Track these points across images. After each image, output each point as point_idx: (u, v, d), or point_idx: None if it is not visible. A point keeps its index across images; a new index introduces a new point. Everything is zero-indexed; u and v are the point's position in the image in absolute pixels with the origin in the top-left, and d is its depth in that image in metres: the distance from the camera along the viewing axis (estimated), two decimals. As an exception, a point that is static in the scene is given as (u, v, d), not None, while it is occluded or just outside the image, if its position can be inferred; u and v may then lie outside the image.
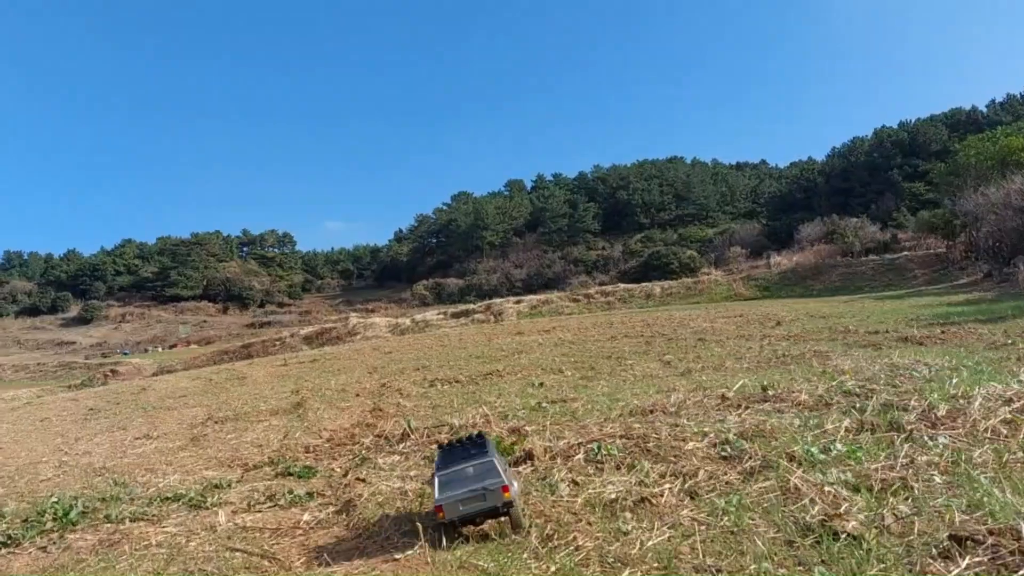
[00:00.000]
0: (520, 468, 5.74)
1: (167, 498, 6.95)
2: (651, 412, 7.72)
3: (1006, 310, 20.60)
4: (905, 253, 64.65)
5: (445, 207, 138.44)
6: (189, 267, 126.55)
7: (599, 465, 5.65)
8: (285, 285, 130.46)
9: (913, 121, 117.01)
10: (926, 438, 5.24)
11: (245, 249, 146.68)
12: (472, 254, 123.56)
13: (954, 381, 7.20)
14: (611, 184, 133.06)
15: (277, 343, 52.09)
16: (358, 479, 6.16)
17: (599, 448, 5.89)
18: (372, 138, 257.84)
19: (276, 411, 13.18)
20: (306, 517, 5.71)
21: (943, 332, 14.96)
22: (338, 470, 7.05)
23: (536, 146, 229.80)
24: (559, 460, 5.89)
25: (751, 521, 4.45)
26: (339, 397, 14.62)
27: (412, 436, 7.76)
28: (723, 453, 5.50)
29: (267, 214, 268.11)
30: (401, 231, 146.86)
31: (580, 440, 6.31)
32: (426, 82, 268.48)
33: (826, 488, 4.44)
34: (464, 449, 5.22)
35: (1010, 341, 12.37)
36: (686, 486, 4.92)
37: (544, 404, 9.56)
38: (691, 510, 4.68)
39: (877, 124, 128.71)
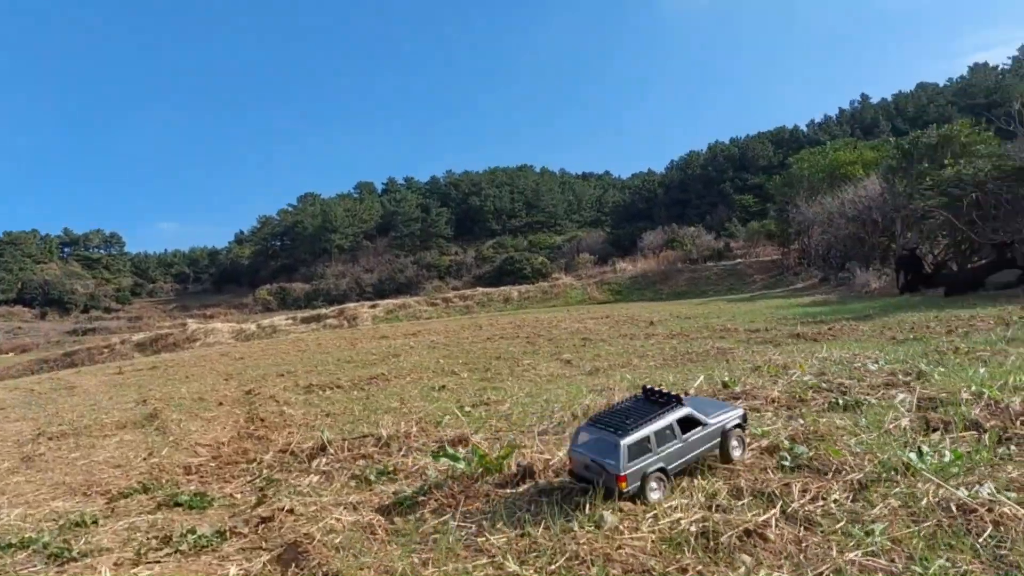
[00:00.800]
0: (521, 489, 4.49)
1: (10, 545, 4.92)
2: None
3: (864, 310, 21.56)
4: (739, 260, 68.62)
5: (291, 208, 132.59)
6: (1, 268, 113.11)
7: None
8: (112, 289, 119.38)
9: (743, 138, 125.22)
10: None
11: (67, 250, 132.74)
12: (320, 258, 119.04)
13: (981, 372, 6.73)
14: (463, 190, 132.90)
15: (105, 350, 47.15)
16: (282, 510, 4.70)
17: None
18: (209, 136, 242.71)
19: (125, 424, 11.09)
20: (233, 572, 3.93)
21: (830, 329, 15.15)
22: (240, 496, 5.52)
23: (387, 149, 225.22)
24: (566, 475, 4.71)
25: (943, 562, 3.09)
26: (199, 406, 12.67)
27: (330, 450, 6.33)
28: (784, 463, 4.50)
29: (92, 214, 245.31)
30: (242, 233, 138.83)
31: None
32: (270, 78, 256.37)
33: (1003, 508, 3.45)
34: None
35: (905, 336, 12.56)
36: (787, 511, 3.65)
37: (467, 408, 8.37)
38: (830, 546, 3.35)
39: (711, 139, 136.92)
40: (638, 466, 4.46)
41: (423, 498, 4.40)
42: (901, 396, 5.53)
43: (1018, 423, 4.41)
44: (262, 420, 9.24)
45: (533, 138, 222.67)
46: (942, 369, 7.11)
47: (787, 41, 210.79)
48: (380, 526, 4.02)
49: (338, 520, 4.23)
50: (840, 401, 6.10)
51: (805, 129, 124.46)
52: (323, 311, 65.44)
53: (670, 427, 4.69)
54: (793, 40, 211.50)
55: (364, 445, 6.30)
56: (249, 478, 6.11)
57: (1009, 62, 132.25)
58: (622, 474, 4.33)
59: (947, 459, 3.99)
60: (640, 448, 4.53)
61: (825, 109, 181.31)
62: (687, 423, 4.80)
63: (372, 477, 5.42)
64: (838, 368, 7.95)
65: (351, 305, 68.67)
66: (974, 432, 4.47)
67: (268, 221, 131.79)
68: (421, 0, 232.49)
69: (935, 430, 4.60)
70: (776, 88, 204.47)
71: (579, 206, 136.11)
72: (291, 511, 4.58)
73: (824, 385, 6.90)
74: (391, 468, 5.56)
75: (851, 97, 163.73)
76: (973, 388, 5.43)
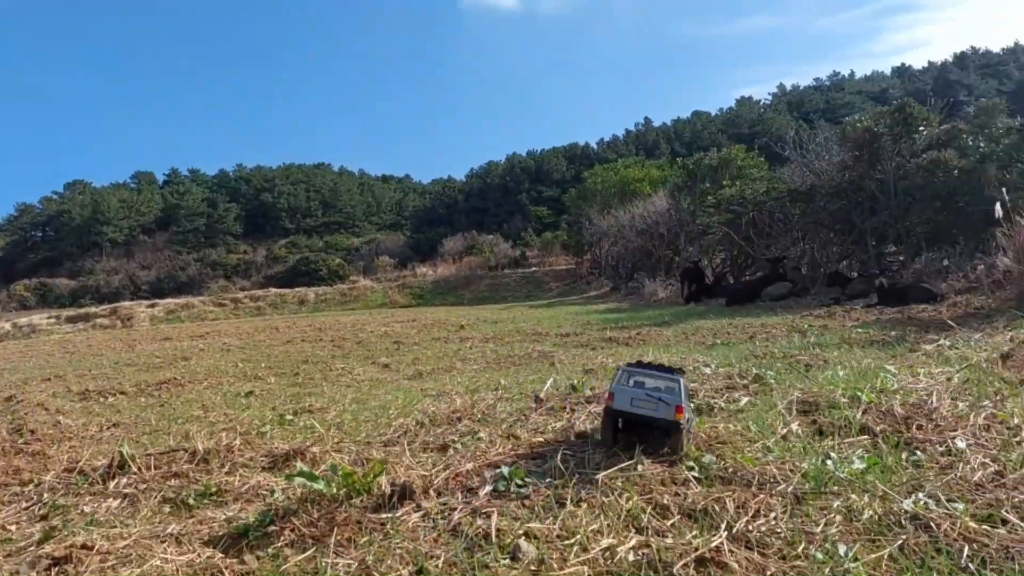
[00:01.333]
0: (401, 514, 3.73)
1: None
2: (459, 420, 6.24)
3: (659, 316, 22.71)
4: (535, 268, 70.99)
5: (56, 196, 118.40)
6: None
7: (525, 503, 3.88)
8: None
9: (539, 151, 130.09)
10: (936, 445, 4.46)
11: None
12: (88, 252, 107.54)
13: (840, 374, 6.90)
14: (255, 185, 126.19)
15: None
16: (81, 547, 3.64)
17: (510, 476, 4.12)
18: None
19: None
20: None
21: (638, 334, 15.69)
22: (16, 529, 4.32)
23: (171, 138, 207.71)
24: (459, 497, 4.00)
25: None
26: (-60, 419, 10.55)
27: (132, 468, 5.24)
28: (693, 473, 4.12)
29: None
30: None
31: (471, 466, 4.46)
32: (31, 45, 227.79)
33: (967, 523, 3.22)
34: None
35: (712, 341, 13.22)
36: (733, 532, 3.12)
37: (288, 416, 7.46)
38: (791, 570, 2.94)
39: (510, 151, 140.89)
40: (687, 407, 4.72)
41: (274, 528, 3.59)
42: (784, 403, 5.42)
43: (912, 427, 4.45)
44: (32, 432, 7.71)
45: (332, 137, 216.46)
46: (772, 373, 7.34)
47: (580, 63, 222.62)
48: (227, 568, 3.18)
49: (166, 560, 3.32)
50: (691, 404, 6.06)
51: (596, 147, 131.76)
52: (93, 309, 59.60)
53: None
54: (585, 63, 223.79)
55: (175, 461, 5.24)
56: (26, 504, 4.88)
57: (769, 98, 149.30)
58: (681, 404, 4.43)
59: (859, 466, 3.89)
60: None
61: (613, 129, 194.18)
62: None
63: (192, 501, 4.47)
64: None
65: (126, 304, 62.93)
66: (867, 436, 4.44)
67: (28, 209, 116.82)
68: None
69: (827, 435, 4.55)
70: (570, 106, 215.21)
71: (378, 208, 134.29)
72: (92, 548, 3.61)
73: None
74: (214, 489, 4.64)
75: (636, 120, 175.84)
76: (843, 390, 5.51)
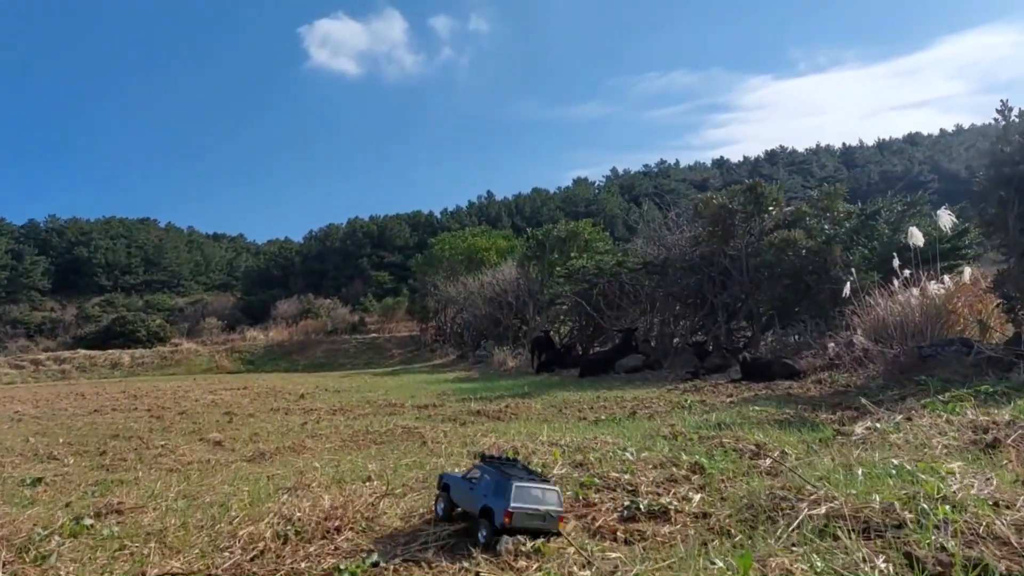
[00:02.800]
0: None
1: None
2: (337, 531, 4.62)
3: (516, 387, 21.67)
4: (374, 334, 68.71)
5: None
6: None
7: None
8: None
9: (382, 217, 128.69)
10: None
11: None
12: None
13: (825, 462, 5.69)
14: (69, 238, 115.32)
15: None
16: None
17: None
18: None
19: None
20: None
21: (507, 406, 14.44)
22: None
23: None
24: None
25: None
26: None
27: None
28: None
29: None
30: None
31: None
32: None
33: None
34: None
35: (595, 416, 12.23)
36: None
37: (86, 520, 5.47)
38: None
39: (351, 215, 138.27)
40: None
41: None
42: (818, 514, 4.13)
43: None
44: None
45: (160, 190, 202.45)
46: (710, 460, 6.27)
47: (423, 133, 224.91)
48: None
49: None
50: (641, 505, 4.81)
51: (439, 215, 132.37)
52: None
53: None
54: (428, 133, 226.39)
55: None
56: None
57: (603, 180, 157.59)
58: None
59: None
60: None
61: (456, 200, 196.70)
62: None
63: None
64: (591, 456, 6.75)
65: None
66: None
67: None
68: (42, 26, 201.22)
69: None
70: (413, 174, 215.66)
71: (207, 268, 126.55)
72: None
73: (599, 481, 5.59)
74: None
75: (479, 192, 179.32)
76: (885, 497, 4.30)
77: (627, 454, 6.63)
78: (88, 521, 5.33)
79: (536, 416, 12.91)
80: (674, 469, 5.88)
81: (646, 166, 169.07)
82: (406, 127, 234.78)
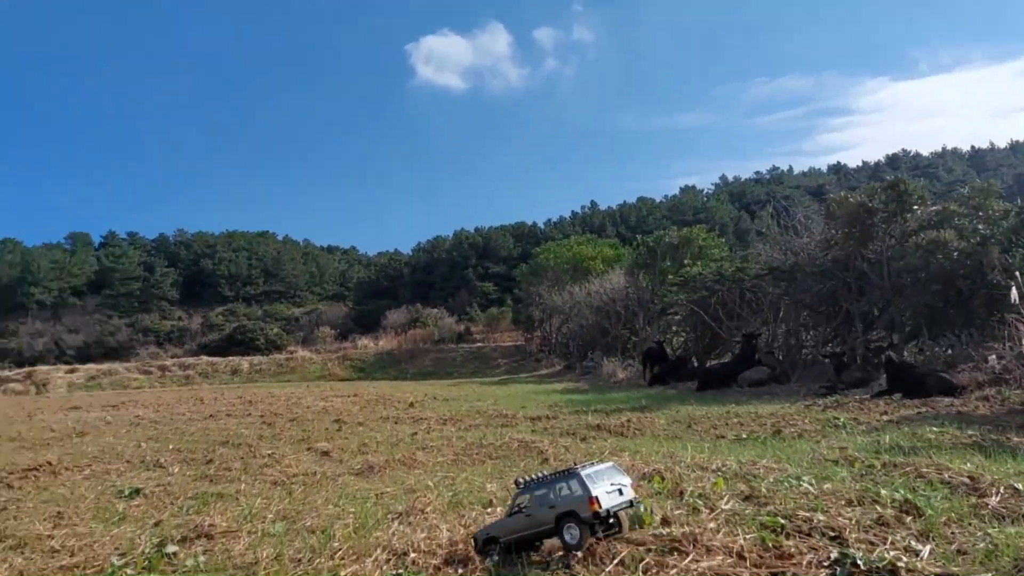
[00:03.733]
0: None
1: None
2: (463, 564, 3.71)
3: (632, 400, 20.46)
4: (479, 344, 68.49)
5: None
6: None
7: None
8: None
9: (487, 228, 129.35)
10: None
11: None
12: (13, 313, 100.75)
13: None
14: (195, 251, 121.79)
15: None
16: None
17: None
18: None
19: None
20: None
21: (628, 421, 13.30)
22: None
23: (111, 199, 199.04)
24: None
25: None
26: None
27: None
28: None
29: None
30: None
31: None
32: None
33: None
34: None
35: (735, 434, 10.94)
36: None
37: (167, 546, 4.76)
38: None
39: (457, 227, 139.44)
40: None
41: None
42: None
43: None
44: None
45: (278, 206, 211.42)
46: (919, 497, 4.98)
47: (526, 145, 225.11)
48: None
49: None
50: (858, 560, 3.57)
51: (543, 226, 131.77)
52: (6, 373, 55.51)
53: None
54: (531, 146, 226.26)
55: None
56: None
57: (712, 187, 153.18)
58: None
59: None
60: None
61: (559, 211, 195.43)
62: None
63: None
64: (759, 486, 5.54)
65: (43, 368, 58.57)
66: None
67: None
68: (161, 49, 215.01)
69: None
70: (517, 186, 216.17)
71: (322, 279, 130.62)
72: None
73: (786, 522, 4.39)
74: None
75: (582, 203, 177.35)
76: None
77: (805, 484, 5.40)
78: (171, 548, 4.62)
79: (663, 432, 11.72)
80: (878, 508, 4.62)
81: (757, 173, 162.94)
82: (510, 139, 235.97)
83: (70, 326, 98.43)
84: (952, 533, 4.14)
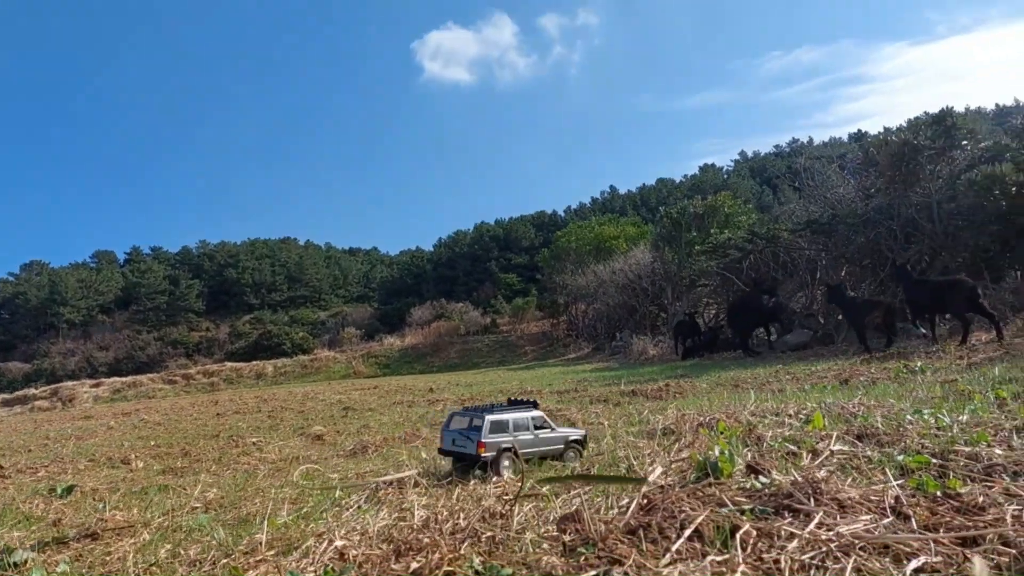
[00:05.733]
0: None
1: None
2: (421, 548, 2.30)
3: (666, 371, 19.00)
4: (506, 333, 67.17)
5: (12, 278, 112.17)
6: None
7: None
8: None
9: (507, 220, 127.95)
10: None
11: None
12: (44, 334, 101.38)
13: None
14: (219, 261, 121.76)
15: None
16: None
17: None
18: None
19: None
20: None
21: (667, 385, 11.82)
22: None
23: (133, 216, 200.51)
24: None
25: None
26: None
27: None
28: None
29: None
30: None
31: None
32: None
33: None
34: None
35: (799, 387, 9.40)
36: None
37: (15, 554, 3.40)
38: None
39: (477, 220, 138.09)
40: (495, 440, 5.99)
41: None
42: None
43: None
44: None
45: (298, 211, 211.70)
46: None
47: (541, 134, 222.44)
48: None
49: None
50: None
51: (563, 214, 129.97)
52: (32, 391, 55.58)
53: (525, 420, 6.42)
54: (546, 134, 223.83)
55: None
56: None
57: (732, 164, 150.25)
58: (482, 441, 5.65)
59: None
60: (499, 427, 6.15)
61: (579, 197, 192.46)
62: (539, 423, 6.51)
63: None
64: (872, 422, 4.01)
65: (68, 384, 58.44)
66: None
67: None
68: (182, 60, 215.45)
69: None
70: (534, 176, 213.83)
71: (345, 281, 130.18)
72: None
73: (948, 464, 2.91)
74: None
75: (601, 188, 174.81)
76: None
77: (940, 417, 3.86)
78: (23, 555, 3.23)
79: (706, 393, 10.24)
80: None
81: (777, 147, 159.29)
82: (523, 129, 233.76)
83: (100, 343, 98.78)
84: None
